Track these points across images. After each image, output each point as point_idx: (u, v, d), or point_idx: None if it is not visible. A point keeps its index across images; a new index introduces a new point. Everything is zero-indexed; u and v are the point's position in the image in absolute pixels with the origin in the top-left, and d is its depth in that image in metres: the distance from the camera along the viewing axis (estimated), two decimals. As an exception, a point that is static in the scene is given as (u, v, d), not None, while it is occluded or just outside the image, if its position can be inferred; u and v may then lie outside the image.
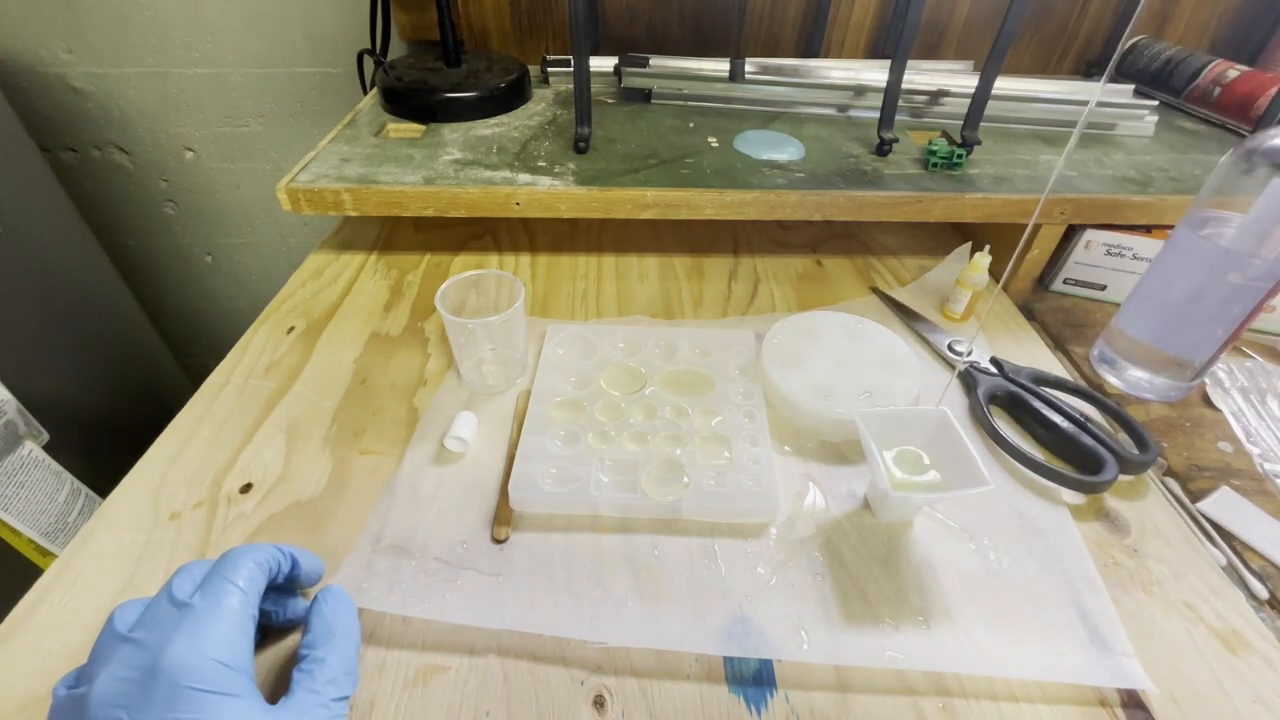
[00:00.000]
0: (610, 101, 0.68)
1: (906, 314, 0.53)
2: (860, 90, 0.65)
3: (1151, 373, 0.46)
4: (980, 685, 0.31)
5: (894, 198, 0.52)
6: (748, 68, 0.66)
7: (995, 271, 0.58)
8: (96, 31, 0.81)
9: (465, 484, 0.39)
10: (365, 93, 0.78)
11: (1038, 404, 0.43)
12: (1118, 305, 0.49)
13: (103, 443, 0.78)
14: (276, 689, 0.30)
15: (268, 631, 0.31)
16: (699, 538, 0.37)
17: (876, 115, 0.57)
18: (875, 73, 0.65)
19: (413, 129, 0.62)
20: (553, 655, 0.31)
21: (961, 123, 0.56)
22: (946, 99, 0.64)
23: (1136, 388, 0.47)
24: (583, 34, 0.50)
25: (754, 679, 0.31)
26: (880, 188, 0.53)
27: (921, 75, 0.65)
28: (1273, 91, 0.60)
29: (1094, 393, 0.44)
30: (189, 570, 0.27)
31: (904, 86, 0.56)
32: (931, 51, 0.79)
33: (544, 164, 0.56)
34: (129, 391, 0.87)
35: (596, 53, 0.72)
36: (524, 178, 0.53)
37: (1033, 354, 0.51)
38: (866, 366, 0.45)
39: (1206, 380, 0.48)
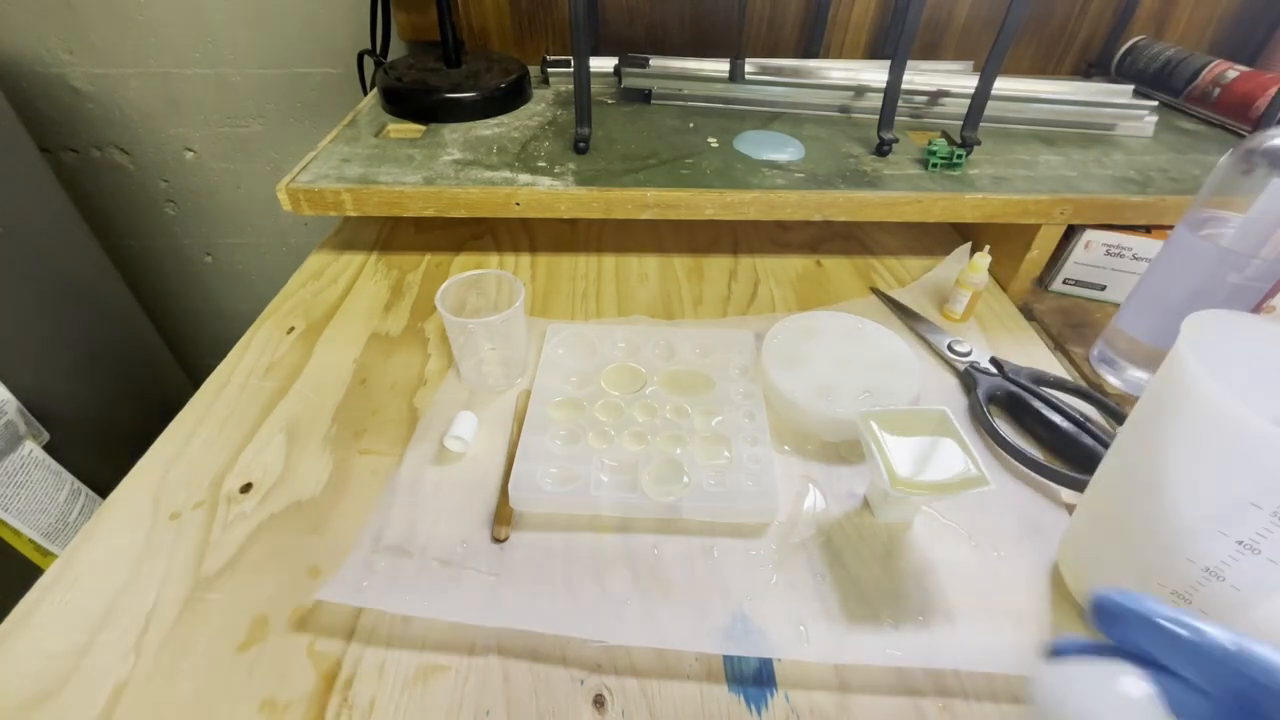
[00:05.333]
0: (610, 102, 0.68)
1: (906, 314, 0.53)
2: (860, 90, 0.66)
3: (1151, 373, 0.46)
4: (980, 685, 0.31)
5: (894, 198, 0.52)
6: (748, 68, 0.66)
7: (996, 272, 0.58)
8: (96, 32, 0.81)
9: (465, 483, 0.39)
10: (365, 93, 0.78)
11: (1037, 404, 0.43)
12: (1118, 305, 0.49)
13: (103, 443, 0.78)
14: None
15: None
16: (699, 537, 0.37)
17: (876, 115, 0.57)
18: (875, 73, 0.65)
19: (413, 129, 0.62)
20: (553, 655, 0.31)
21: (961, 123, 0.56)
22: (946, 99, 0.64)
23: (1136, 388, 0.47)
24: (583, 34, 0.50)
25: (754, 678, 0.31)
26: (880, 188, 0.53)
27: (921, 75, 0.65)
28: (1272, 92, 0.60)
29: (1094, 393, 0.44)
30: None
31: (904, 87, 0.56)
32: (931, 52, 0.79)
33: (544, 164, 0.56)
34: (129, 391, 0.87)
35: (596, 53, 0.72)
36: (524, 178, 0.53)
37: (1032, 354, 0.51)
38: (866, 366, 0.45)
39: (1206, 380, 0.48)
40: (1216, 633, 0.19)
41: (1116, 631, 0.21)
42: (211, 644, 0.31)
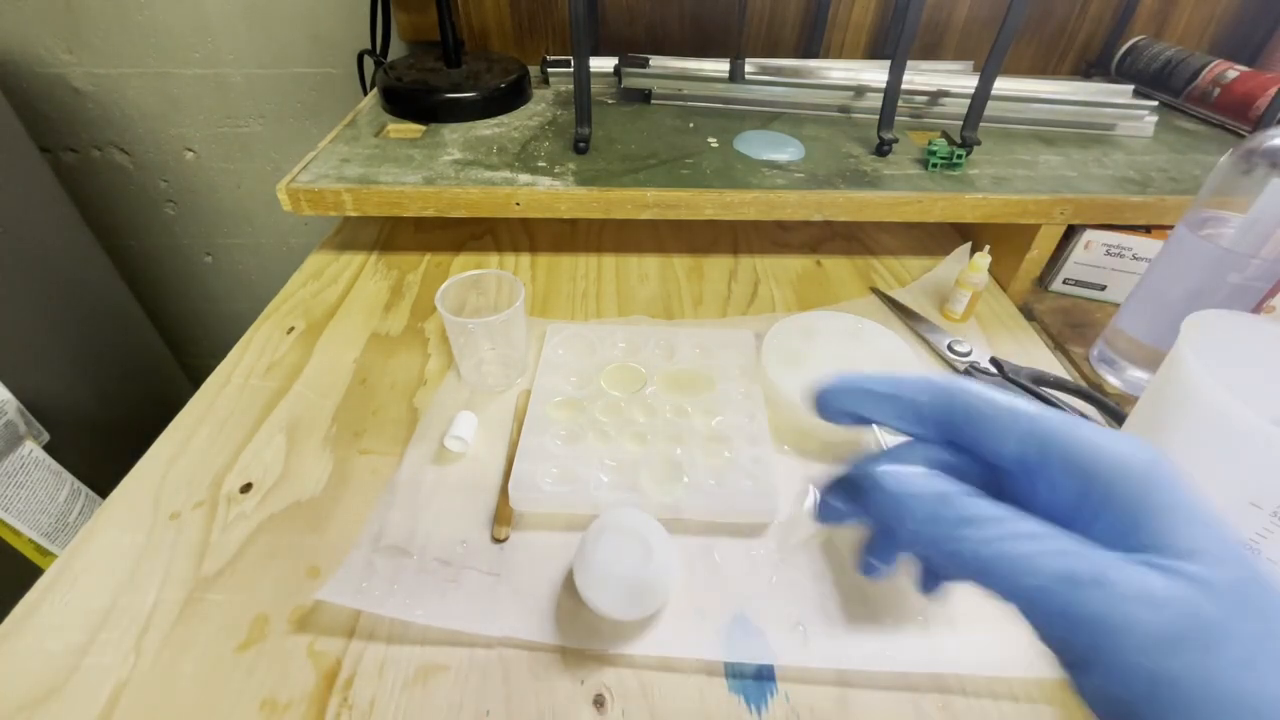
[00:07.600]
0: (610, 102, 0.68)
1: (906, 314, 0.53)
2: (860, 90, 0.66)
3: (1151, 373, 0.46)
4: (980, 684, 0.31)
5: (894, 198, 0.52)
6: (748, 68, 0.66)
7: (996, 272, 0.58)
8: (96, 32, 0.81)
9: (465, 483, 0.39)
10: (365, 93, 0.78)
11: (1037, 404, 0.43)
12: (1118, 305, 0.49)
13: (103, 443, 0.78)
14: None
15: None
16: (699, 537, 0.37)
17: (876, 115, 0.57)
18: (875, 73, 0.65)
19: (413, 129, 0.62)
20: (553, 655, 0.31)
21: (961, 123, 0.56)
22: (946, 99, 0.64)
23: (1136, 388, 0.47)
24: (583, 34, 0.50)
25: (754, 677, 0.31)
26: (880, 188, 0.53)
27: (921, 75, 0.65)
28: (1272, 92, 0.60)
29: (1094, 393, 0.44)
30: None
31: (904, 87, 0.56)
32: (931, 52, 0.79)
33: (544, 164, 0.56)
34: (129, 391, 0.87)
35: (596, 53, 0.72)
36: (524, 178, 0.53)
37: (1032, 354, 0.51)
38: (866, 366, 0.45)
39: (1206, 380, 0.48)
40: (911, 378, 0.21)
41: (833, 411, 0.22)
42: (211, 644, 0.31)
